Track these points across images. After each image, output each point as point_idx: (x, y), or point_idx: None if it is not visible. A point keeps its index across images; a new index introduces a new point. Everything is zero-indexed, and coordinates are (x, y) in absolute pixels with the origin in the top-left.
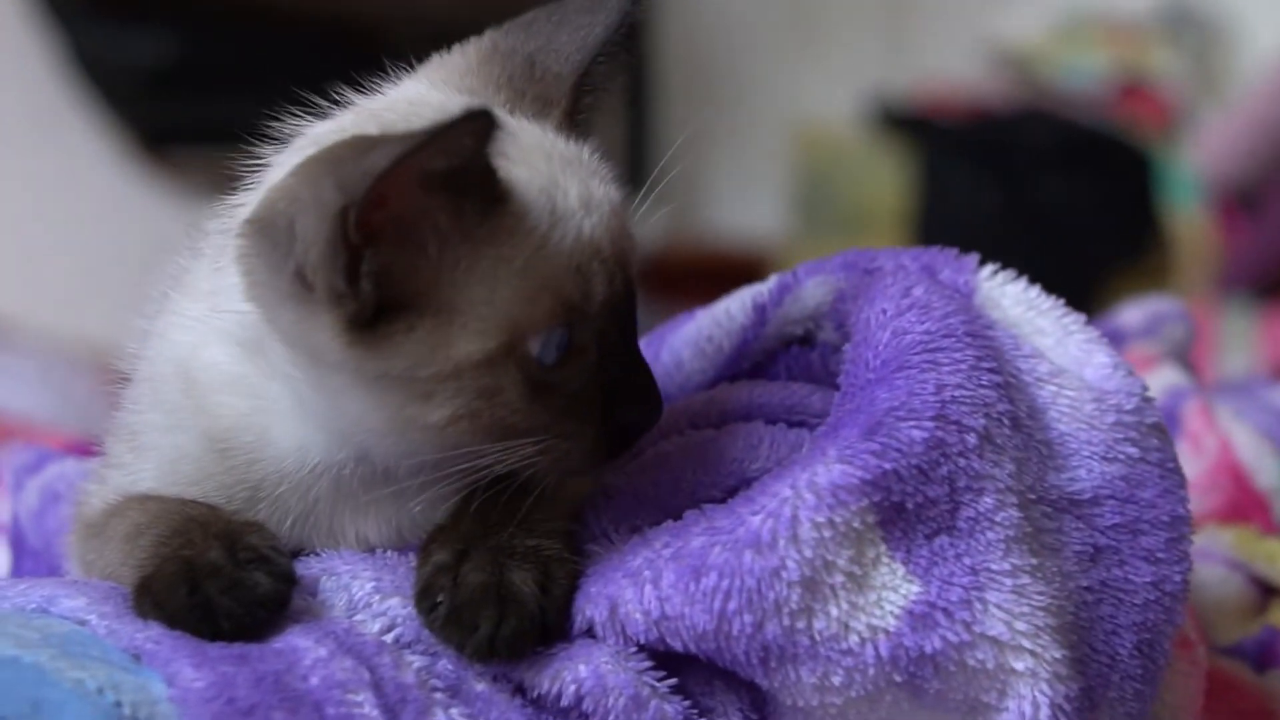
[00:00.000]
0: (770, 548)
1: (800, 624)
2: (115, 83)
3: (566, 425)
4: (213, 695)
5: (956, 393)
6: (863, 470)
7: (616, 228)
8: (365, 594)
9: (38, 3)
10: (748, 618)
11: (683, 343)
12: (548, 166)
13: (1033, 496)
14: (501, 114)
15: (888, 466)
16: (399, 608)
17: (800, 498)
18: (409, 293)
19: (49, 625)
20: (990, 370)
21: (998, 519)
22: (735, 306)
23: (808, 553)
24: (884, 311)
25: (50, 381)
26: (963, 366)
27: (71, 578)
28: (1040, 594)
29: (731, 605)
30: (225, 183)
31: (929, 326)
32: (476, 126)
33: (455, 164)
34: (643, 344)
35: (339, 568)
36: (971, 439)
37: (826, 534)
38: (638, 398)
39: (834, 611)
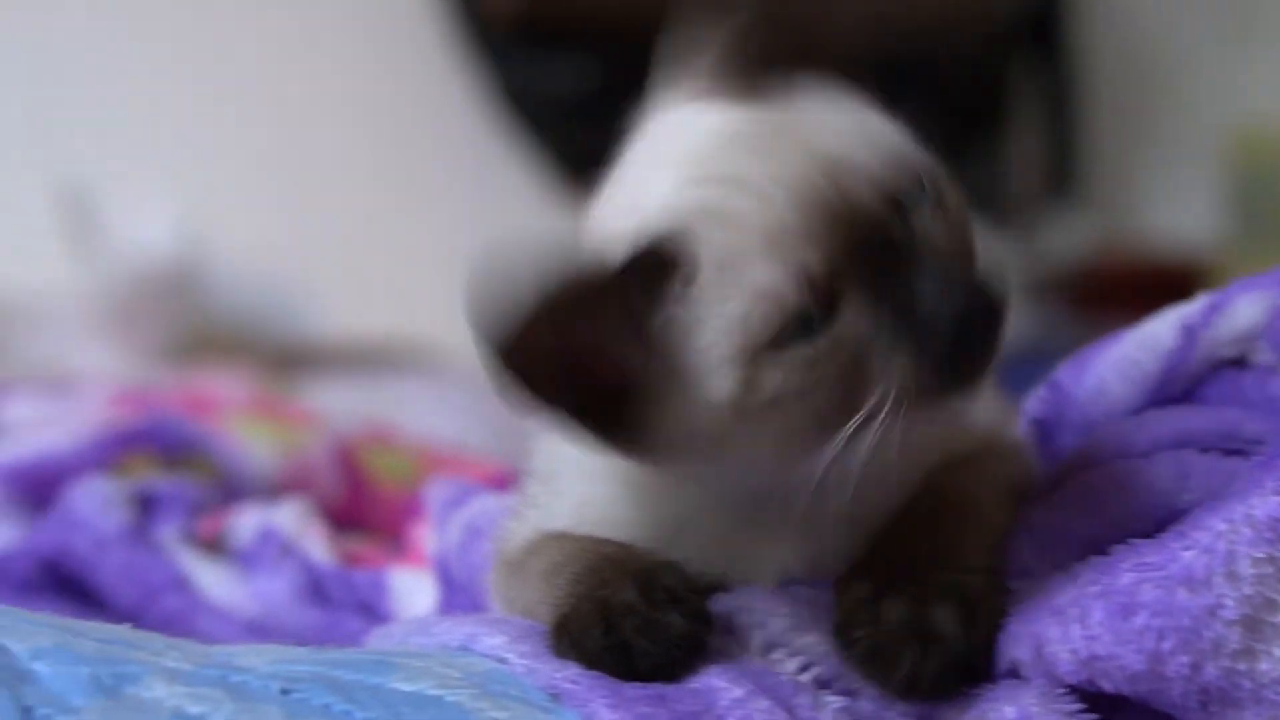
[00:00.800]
0: (1205, 585)
1: (1241, 666)
2: (540, 111)
3: (875, 371)
4: None
5: None
6: None
7: (818, 186)
8: (781, 630)
9: (463, 34)
10: (1183, 658)
11: (1107, 367)
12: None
13: None
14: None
15: None
16: (816, 645)
17: (1236, 532)
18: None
19: (471, 664)
20: None
21: None
22: (1162, 329)
23: (1246, 590)
24: None
25: (479, 410)
26: None
27: (492, 615)
28: None
29: (1166, 645)
30: None
31: None
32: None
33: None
34: (1067, 367)
35: (754, 604)
36: None
37: (1266, 570)
38: (936, 293)
39: (1278, 653)
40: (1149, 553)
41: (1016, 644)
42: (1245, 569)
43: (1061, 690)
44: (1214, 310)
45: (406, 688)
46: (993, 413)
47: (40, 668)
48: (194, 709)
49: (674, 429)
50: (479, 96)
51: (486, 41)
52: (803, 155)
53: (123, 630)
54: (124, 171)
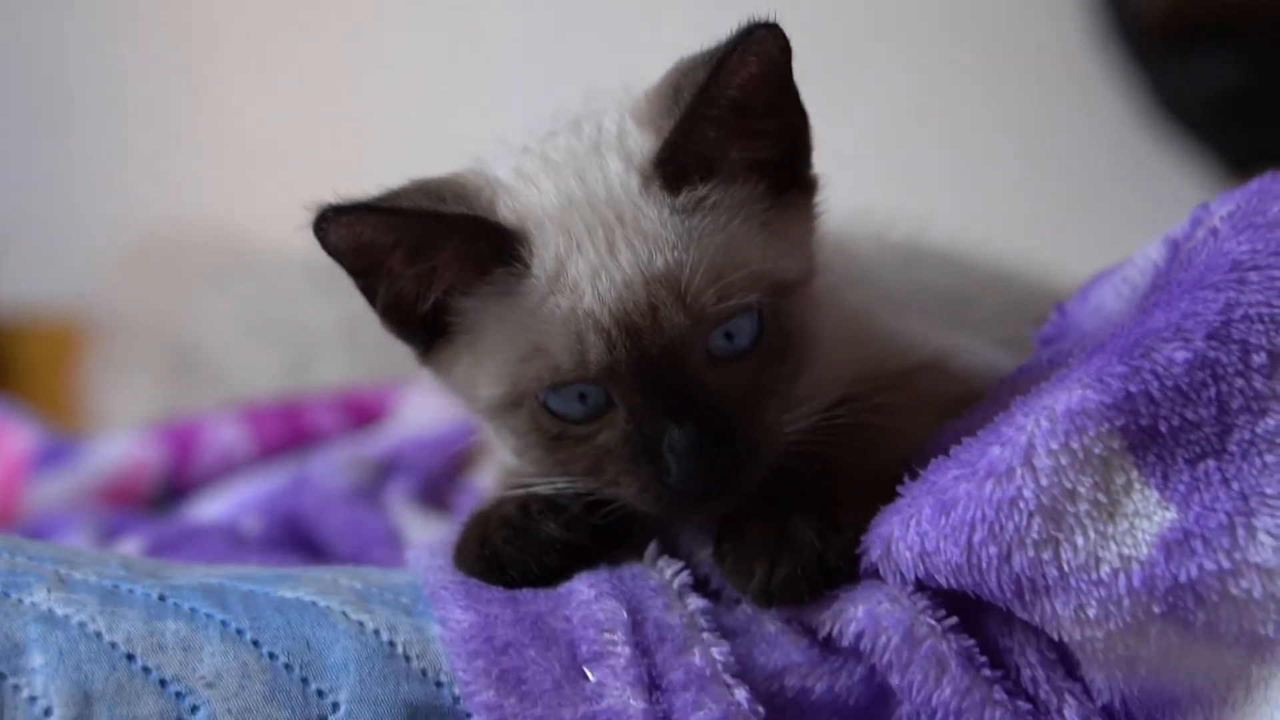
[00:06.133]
0: (1008, 477)
1: (1047, 555)
2: (1194, 110)
3: (608, 475)
4: (474, 634)
5: (1253, 311)
6: (1104, 394)
7: (627, 300)
8: (684, 541)
9: (1112, 36)
10: (993, 549)
11: (1106, 288)
12: (579, 230)
13: None
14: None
15: (1134, 389)
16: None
17: (1038, 424)
18: (454, 328)
19: (387, 578)
20: None
21: None
22: (1152, 247)
23: (1044, 481)
24: (1215, 233)
25: None
26: (1278, 284)
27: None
28: None
29: (977, 537)
30: None
31: (1258, 245)
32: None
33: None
34: (1075, 294)
35: (670, 522)
36: (1259, 358)
37: (1064, 460)
38: (671, 460)
39: (1081, 541)
40: (970, 450)
41: (873, 546)
42: (1043, 460)
43: (913, 588)
44: (1196, 223)
45: (288, 595)
46: (940, 337)
47: None
48: (62, 610)
49: (457, 384)
50: (1130, 98)
51: (1136, 43)
52: (643, 260)
53: (73, 550)
54: None
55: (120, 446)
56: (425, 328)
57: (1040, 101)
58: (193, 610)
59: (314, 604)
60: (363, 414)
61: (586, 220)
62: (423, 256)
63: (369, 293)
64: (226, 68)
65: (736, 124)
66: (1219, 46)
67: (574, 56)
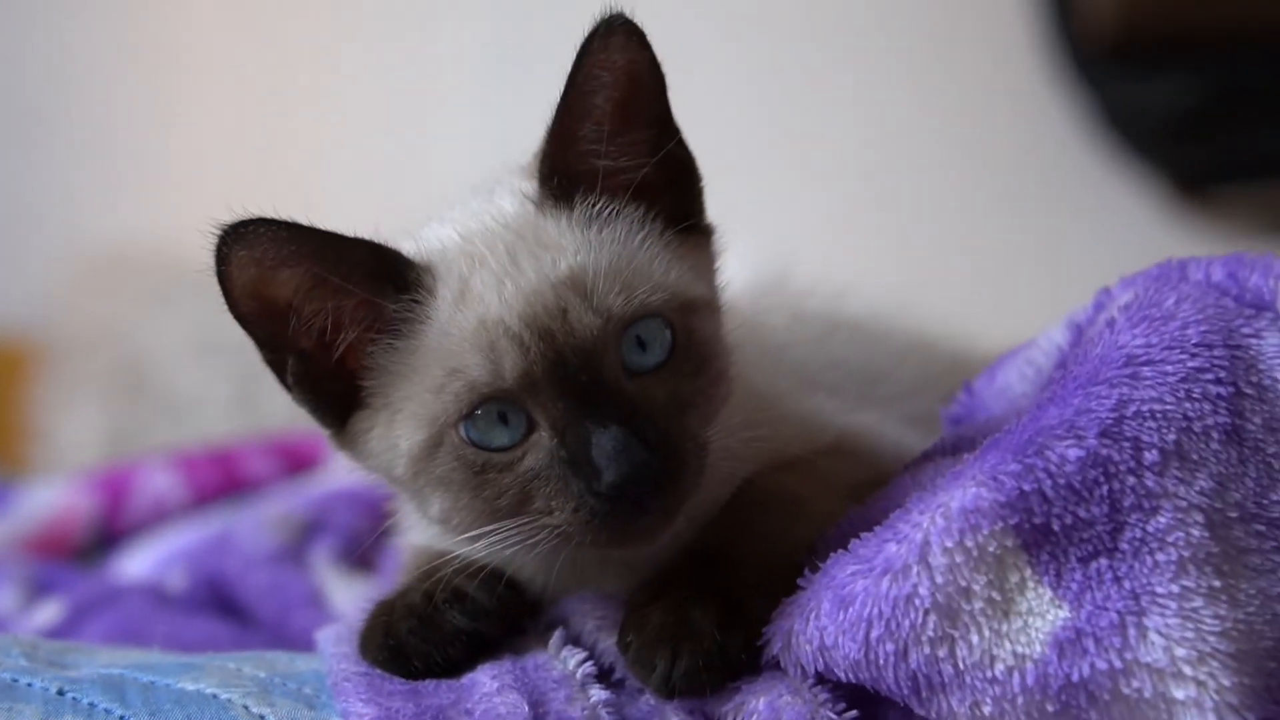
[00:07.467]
0: (904, 574)
1: (942, 652)
2: (1144, 128)
3: (538, 503)
4: None
5: (1145, 408)
6: (997, 492)
7: (535, 303)
8: (589, 630)
9: (1060, 57)
10: (890, 646)
11: (1011, 370)
12: (480, 252)
13: (1235, 514)
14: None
15: (1027, 488)
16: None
17: (933, 522)
18: (367, 392)
19: (291, 664)
20: (1213, 381)
21: (1171, 539)
22: (1056, 330)
23: (939, 579)
24: (1112, 325)
25: None
26: (1171, 379)
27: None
28: (1216, 618)
29: (874, 633)
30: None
31: (1152, 339)
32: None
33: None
34: (982, 375)
35: (574, 609)
36: (1151, 455)
37: (958, 558)
38: (601, 462)
39: (975, 639)
40: (867, 546)
41: (775, 639)
42: (938, 558)
43: (814, 681)
44: (1099, 308)
45: (189, 687)
46: (848, 416)
47: None
48: None
49: (377, 450)
50: (1078, 118)
51: (1086, 61)
52: (547, 266)
53: None
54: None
55: (53, 494)
56: (337, 395)
57: (989, 120)
58: (91, 706)
59: (215, 697)
60: (296, 461)
61: (487, 242)
62: (327, 293)
63: (278, 366)
64: (176, 87)
65: (610, 125)
66: (1169, 65)
67: (523, 83)
